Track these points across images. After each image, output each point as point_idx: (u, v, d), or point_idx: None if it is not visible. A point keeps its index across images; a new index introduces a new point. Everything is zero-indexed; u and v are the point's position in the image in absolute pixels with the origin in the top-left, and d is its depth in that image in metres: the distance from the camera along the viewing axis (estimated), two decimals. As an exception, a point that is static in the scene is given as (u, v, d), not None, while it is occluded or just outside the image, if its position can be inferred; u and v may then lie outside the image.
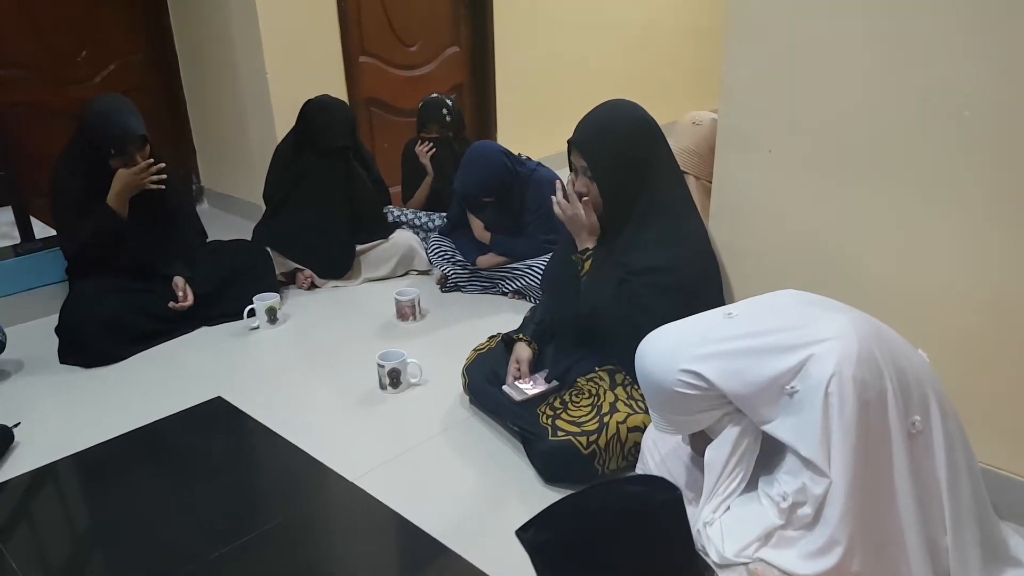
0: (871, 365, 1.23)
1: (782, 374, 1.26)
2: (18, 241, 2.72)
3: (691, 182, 2.10)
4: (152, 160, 2.46)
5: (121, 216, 2.46)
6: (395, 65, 3.90)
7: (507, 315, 2.63)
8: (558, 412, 1.78)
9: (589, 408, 1.77)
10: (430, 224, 3.15)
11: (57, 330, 2.40)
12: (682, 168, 2.07)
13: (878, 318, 1.34)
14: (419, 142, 3.23)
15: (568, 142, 1.81)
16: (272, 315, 2.62)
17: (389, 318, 2.67)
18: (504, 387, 1.90)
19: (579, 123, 1.80)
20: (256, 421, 2.05)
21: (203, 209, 4.09)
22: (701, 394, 1.29)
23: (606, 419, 1.72)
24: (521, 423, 1.85)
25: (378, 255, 3.04)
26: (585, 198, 1.82)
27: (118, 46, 3.68)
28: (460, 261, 2.93)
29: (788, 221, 1.72)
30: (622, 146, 1.76)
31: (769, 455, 1.37)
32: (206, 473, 1.87)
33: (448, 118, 3.14)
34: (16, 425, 2.00)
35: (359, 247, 3.02)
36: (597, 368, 1.87)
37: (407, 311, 2.64)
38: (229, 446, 1.99)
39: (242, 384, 2.25)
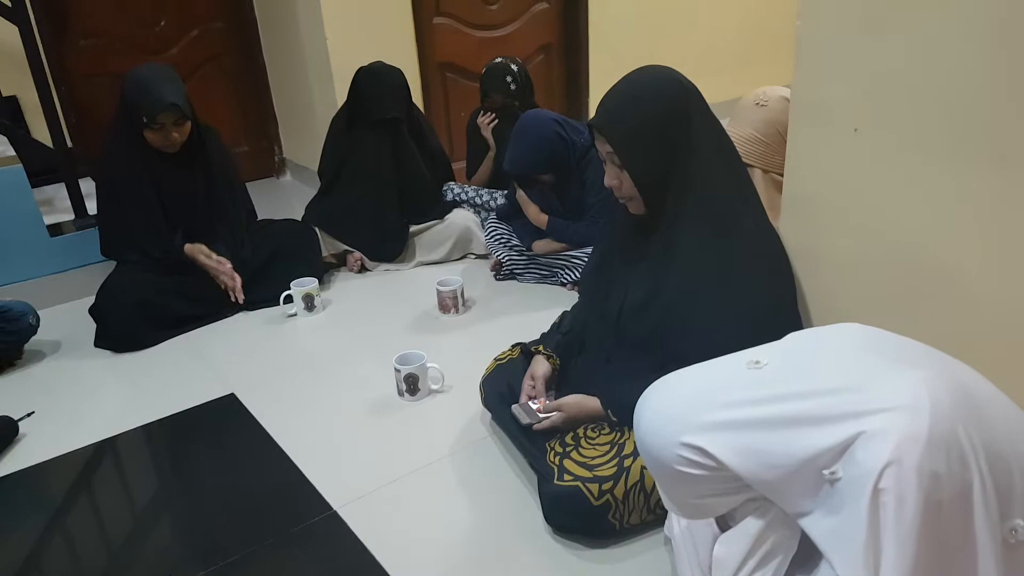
0: (950, 449, 0.85)
1: (819, 454, 0.90)
2: (72, 217, 2.74)
3: (756, 176, 1.69)
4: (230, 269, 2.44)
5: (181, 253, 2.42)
6: (473, 25, 3.62)
7: (562, 307, 2.32)
8: (568, 449, 1.48)
9: (608, 448, 1.46)
10: (492, 203, 2.88)
11: (91, 312, 2.37)
12: (744, 160, 1.67)
13: (991, 366, 0.95)
14: (481, 113, 2.94)
15: (588, 125, 1.47)
16: (310, 302, 2.48)
17: (433, 308, 2.45)
18: (513, 407, 1.62)
19: (601, 99, 1.45)
20: (259, 427, 1.90)
21: (285, 182, 4.06)
22: (710, 475, 0.96)
23: (627, 463, 1.40)
24: (528, 456, 1.58)
25: (432, 237, 2.82)
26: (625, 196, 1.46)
27: (198, 14, 3.63)
28: (517, 246, 2.65)
29: (882, 221, 1.30)
30: (651, 122, 1.38)
31: (812, 552, 1.02)
32: (189, 485, 1.73)
33: (513, 86, 2.82)
34: (27, 416, 1.96)
35: (412, 228, 2.80)
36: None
37: (448, 303, 2.41)
38: (223, 454, 1.84)
39: (261, 380, 2.11)
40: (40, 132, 2.88)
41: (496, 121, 2.89)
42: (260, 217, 2.78)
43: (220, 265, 2.44)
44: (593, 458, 1.44)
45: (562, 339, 1.70)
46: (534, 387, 1.63)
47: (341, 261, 2.83)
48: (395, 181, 2.72)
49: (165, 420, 1.97)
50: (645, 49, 4.04)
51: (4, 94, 3.09)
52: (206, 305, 2.45)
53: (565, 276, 2.55)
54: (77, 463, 1.82)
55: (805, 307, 1.47)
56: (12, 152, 2.69)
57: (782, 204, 1.47)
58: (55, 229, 2.71)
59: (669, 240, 1.44)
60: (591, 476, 1.41)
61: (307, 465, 1.74)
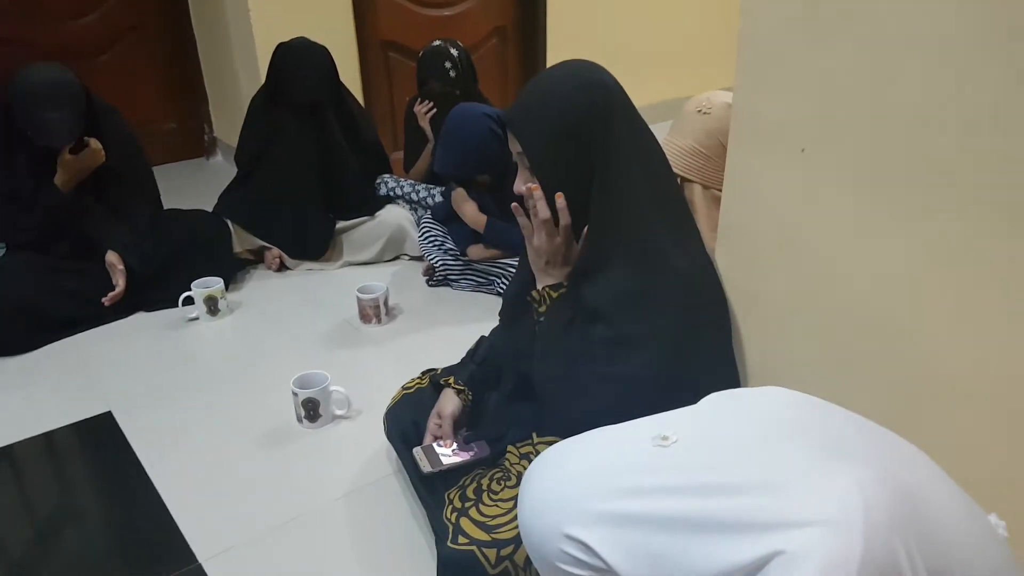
0: (884, 573, 0.69)
1: (726, 573, 0.73)
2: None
3: (696, 192, 1.50)
4: (96, 145, 2.16)
5: (67, 199, 2.17)
6: (421, 2, 3.38)
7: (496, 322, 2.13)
8: (468, 505, 1.29)
9: (512, 505, 1.27)
10: (430, 200, 2.67)
11: (-39, 311, 2.13)
12: (681, 172, 1.49)
13: (943, 432, 0.79)
14: (418, 101, 2.72)
15: (498, 119, 1.28)
16: (213, 305, 2.25)
17: (355, 316, 2.25)
18: (415, 450, 1.42)
19: (518, 94, 1.26)
20: (132, 453, 1.68)
21: (215, 163, 3.80)
22: (594, 577, 0.79)
23: (533, 523, 1.23)
24: (426, 508, 1.39)
25: (362, 235, 2.60)
26: (539, 206, 1.26)
27: (117, -25, 3.35)
28: (452, 250, 2.45)
29: (827, 264, 1.13)
30: (565, 124, 1.19)
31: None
32: (42, 520, 1.51)
33: (452, 73, 2.60)
34: None
35: (340, 224, 2.58)
36: (535, 436, 1.37)
37: (370, 312, 2.20)
38: (86, 486, 1.62)
39: (145, 397, 1.89)
40: None
41: (434, 110, 2.67)
42: (183, 203, 2.56)
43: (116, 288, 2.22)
44: (494, 517, 1.26)
45: (476, 370, 1.51)
46: (440, 427, 1.44)
47: (259, 258, 2.60)
48: (319, 172, 2.49)
49: (30, 440, 1.74)
50: (607, 35, 3.85)
51: None
52: (97, 306, 2.22)
53: (503, 285, 2.37)
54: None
55: (741, 353, 1.30)
56: None
57: (717, 233, 1.30)
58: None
59: (584, 265, 1.26)
60: (489, 539, 1.22)
61: (177, 504, 1.53)
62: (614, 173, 1.19)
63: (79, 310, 2.20)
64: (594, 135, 1.18)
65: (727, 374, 1.27)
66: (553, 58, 3.80)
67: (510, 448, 1.37)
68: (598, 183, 1.20)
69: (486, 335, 1.59)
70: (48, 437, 1.77)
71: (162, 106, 3.61)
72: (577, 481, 0.84)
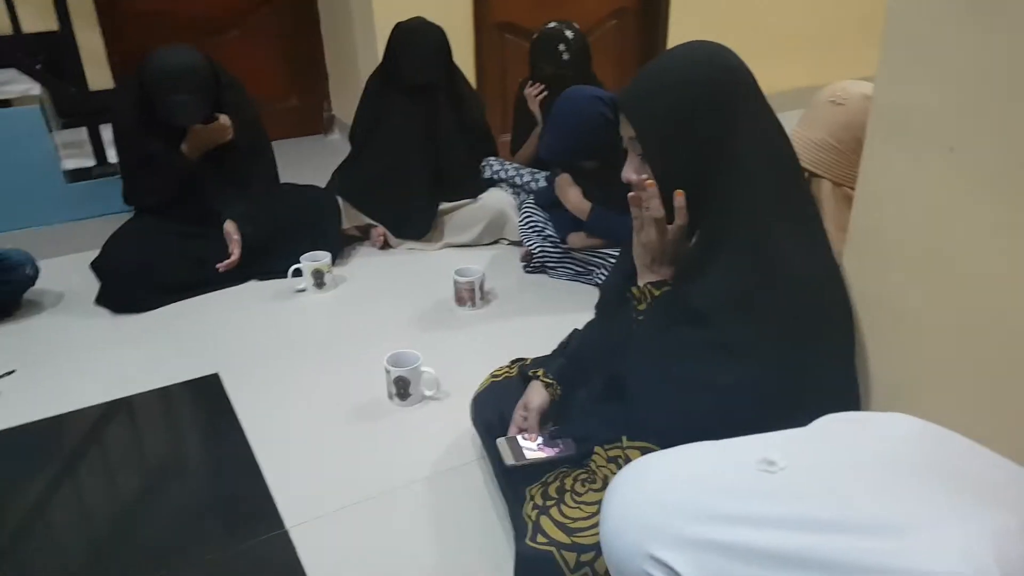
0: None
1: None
2: (93, 164, 2.65)
3: (824, 190, 1.38)
4: (225, 120, 2.26)
5: (192, 165, 2.28)
6: (537, -18, 3.32)
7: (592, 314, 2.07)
8: (549, 504, 1.25)
9: (596, 509, 1.22)
10: (533, 184, 2.63)
11: (92, 267, 2.27)
12: (809, 167, 1.36)
13: None
14: (529, 83, 2.67)
15: (612, 102, 1.21)
16: (319, 278, 2.30)
17: (448, 299, 2.24)
18: (499, 440, 1.39)
19: (634, 75, 1.18)
20: (234, 416, 1.74)
21: (332, 140, 3.90)
22: (679, 606, 0.73)
23: (617, 529, 1.17)
24: (506, 501, 1.36)
25: (463, 217, 2.59)
26: (652, 204, 1.18)
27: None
28: (552, 237, 2.40)
29: (978, 278, 0.99)
30: (682, 109, 1.10)
31: None
32: (146, 475, 1.59)
33: (565, 55, 2.53)
34: (7, 374, 1.87)
35: (443, 206, 2.58)
36: (625, 440, 1.30)
37: (465, 295, 2.19)
38: (190, 444, 1.71)
39: (250, 362, 1.95)
40: (92, 72, 2.79)
41: (545, 93, 2.61)
42: (300, 179, 2.63)
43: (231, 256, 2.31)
44: (575, 520, 1.21)
45: (567, 364, 1.46)
46: (526, 419, 1.40)
47: (365, 234, 2.65)
48: (427, 153, 2.50)
49: (144, 395, 1.84)
50: (735, 18, 3.66)
51: (41, 30, 2.99)
52: (212, 272, 2.31)
53: (600, 277, 2.29)
54: (41, 435, 1.71)
55: (864, 369, 1.17)
56: (37, 91, 2.61)
57: (847, 236, 1.18)
58: (78, 174, 2.63)
59: (692, 263, 1.18)
60: (569, 542, 1.17)
61: (271, 470, 1.57)
62: (735, 164, 1.10)
63: (196, 274, 2.30)
64: (715, 122, 1.10)
65: (846, 393, 1.16)
66: (675, 42, 3.65)
67: (597, 449, 1.31)
68: (715, 174, 1.11)
69: (580, 328, 1.53)
70: (161, 392, 1.86)
71: (285, 83, 3.73)
72: (668, 499, 0.77)
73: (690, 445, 0.89)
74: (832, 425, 0.83)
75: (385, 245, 2.61)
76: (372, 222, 2.59)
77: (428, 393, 1.78)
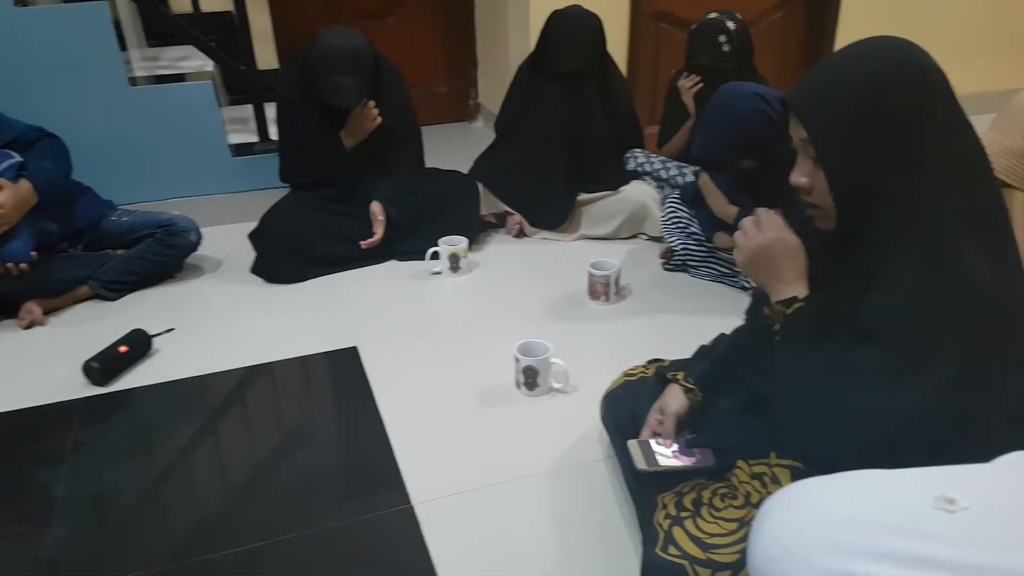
0: None
1: None
2: (256, 140, 2.80)
3: (1016, 200, 1.21)
4: (371, 109, 2.33)
5: (345, 150, 2.38)
6: (701, -27, 3.19)
7: (737, 320, 1.95)
8: (684, 515, 1.18)
9: (735, 526, 1.13)
10: (679, 179, 2.53)
11: (250, 238, 2.40)
12: (1001, 176, 1.20)
13: None
14: (684, 74, 2.57)
15: (781, 99, 1.11)
16: (455, 262, 2.33)
17: (584, 291, 2.20)
18: (630, 443, 1.33)
19: (807, 73, 1.08)
20: (369, 390, 1.79)
21: (476, 128, 3.95)
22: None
23: (756, 550, 1.09)
24: (636, 505, 1.30)
25: (602, 209, 2.54)
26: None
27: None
28: (697, 235, 2.29)
29: None
30: (867, 112, 0.99)
31: None
32: (282, 440, 1.66)
33: (726, 47, 2.40)
34: (166, 332, 2.01)
35: (581, 196, 2.54)
36: (773, 456, 1.21)
37: (599, 288, 2.14)
38: (325, 413, 1.76)
39: (386, 338, 2.00)
40: (259, 52, 2.95)
41: (701, 85, 2.50)
42: (442, 164, 2.68)
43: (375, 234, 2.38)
44: (712, 535, 1.13)
45: (710, 369, 1.37)
46: (662, 424, 1.34)
47: (501, 222, 2.65)
48: (569, 142, 2.46)
49: (286, 362, 1.93)
50: (913, 13, 3.37)
51: (218, 9, 3.21)
52: (356, 249, 2.39)
53: (747, 280, 2.17)
54: (190, 391, 1.82)
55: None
56: (211, 67, 2.79)
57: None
58: (241, 149, 2.79)
59: (864, 275, 1.06)
60: (704, 558, 1.10)
61: (400, 445, 1.59)
62: (918, 169, 0.98)
63: (342, 250, 2.39)
64: (901, 126, 0.98)
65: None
66: (845, 36, 3.41)
67: (740, 464, 1.23)
68: (894, 180, 1.00)
69: (727, 332, 1.44)
70: (303, 360, 1.94)
71: (435, 69, 3.81)
72: (831, 531, 0.70)
73: (858, 473, 0.80)
74: (1016, 461, 0.72)
75: (520, 233, 2.60)
76: (509, 209, 2.59)
77: (556, 385, 1.75)
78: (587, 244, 2.54)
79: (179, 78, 2.78)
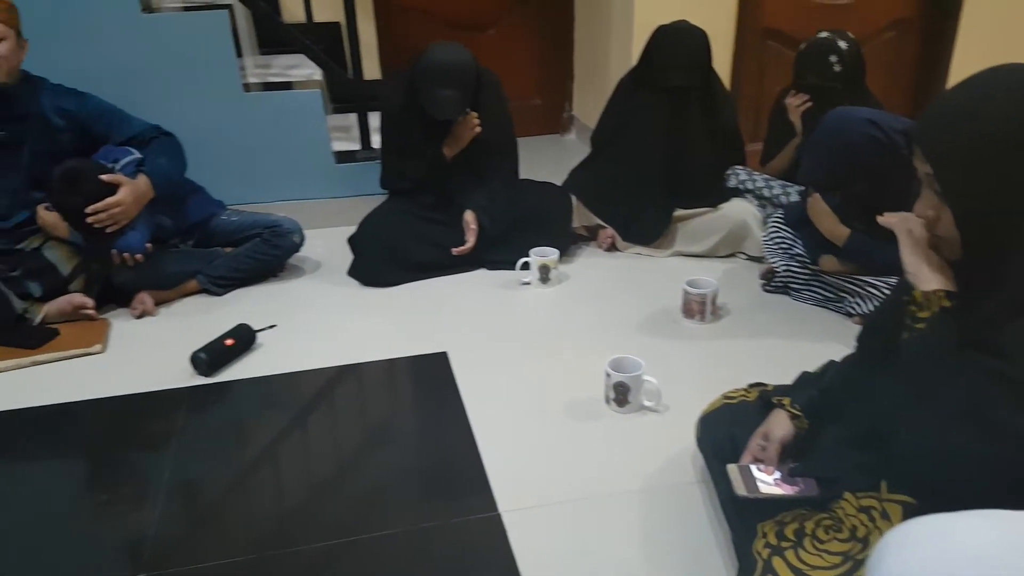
0: None
1: None
2: (358, 148, 2.90)
3: None
4: (472, 120, 2.38)
5: (444, 161, 2.43)
6: (816, -11, 3.12)
7: (841, 347, 1.89)
8: (785, 545, 1.14)
9: (839, 560, 1.08)
10: (783, 198, 2.46)
11: (349, 242, 2.48)
12: None
13: None
14: (792, 92, 2.50)
15: (904, 133, 1.07)
16: (545, 273, 2.33)
17: (677, 309, 2.17)
18: (729, 467, 1.30)
19: (931, 104, 1.03)
20: (458, 396, 1.81)
21: (568, 140, 3.97)
22: None
23: (862, 588, 1.04)
24: (732, 531, 1.27)
25: (699, 226, 2.50)
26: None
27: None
28: (801, 256, 2.22)
29: None
30: (997, 146, 0.94)
31: None
32: (372, 439, 1.70)
33: (837, 67, 2.33)
34: (268, 328, 2.10)
35: (678, 212, 2.51)
36: (884, 489, 1.15)
37: (695, 307, 2.10)
38: (413, 417, 1.79)
39: (476, 346, 2.02)
40: (363, 62, 3.07)
41: (809, 104, 2.44)
42: (534, 176, 2.71)
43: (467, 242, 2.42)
44: (814, 568, 1.09)
45: (818, 397, 1.33)
46: (765, 449, 1.30)
47: (592, 235, 2.65)
48: (669, 157, 2.44)
49: (378, 363, 1.98)
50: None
51: (327, 19, 3.35)
52: (448, 256, 2.43)
53: (854, 306, 2.09)
54: (287, 386, 1.89)
55: None
56: (319, 76, 2.91)
57: None
58: (344, 156, 2.89)
59: (997, 309, 1.00)
60: (805, 592, 1.07)
61: (488, 452, 1.60)
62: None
63: (434, 257, 2.44)
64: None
65: None
66: (962, 62, 3.26)
67: (847, 495, 1.18)
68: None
69: (836, 360, 1.39)
70: (393, 362, 1.98)
71: (531, 82, 3.85)
72: (955, 570, 0.66)
73: (982, 512, 0.76)
74: None
75: (612, 247, 2.59)
76: (602, 223, 2.58)
77: (647, 403, 1.72)
78: (682, 261, 2.50)
79: (287, 86, 2.91)
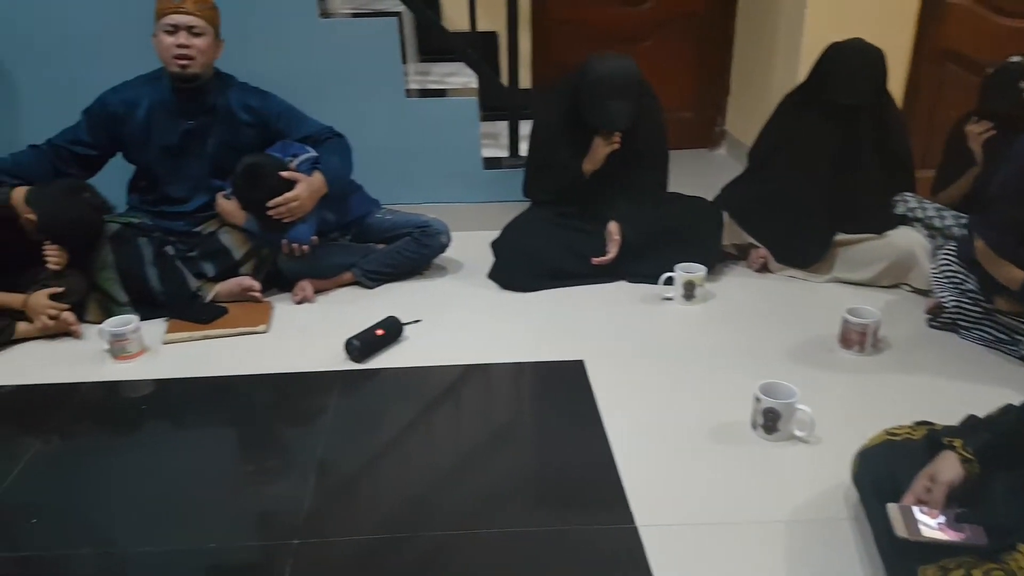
0: None
1: None
2: (505, 155, 2.99)
3: None
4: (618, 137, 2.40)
5: (587, 174, 2.48)
6: (999, 9, 2.92)
7: (1013, 393, 1.74)
8: (950, 594, 1.09)
9: (1015, 619, 1.03)
10: (955, 230, 2.31)
11: (491, 246, 2.57)
12: None
13: None
14: (973, 119, 2.36)
15: None
16: (690, 290, 2.31)
17: (832, 338, 2.09)
18: (890, 506, 1.24)
19: None
20: (595, 405, 1.83)
21: (717, 156, 3.92)
22: None
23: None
24: (887, 571, 1.21)
25: (862, 252, 2.39)
26: None
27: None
28: (972, 292, 2.08)
29: None
30: None
31: None
32: (504, 439, 1.76)
33: (1030, 95, 2.19)
34: (414, 322, 2.20)
35: (839, 236, 2.42)
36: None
37: (854, 337, 2.01)
38: (547, 420, 1.83)
39: (614, 357, 2.03)
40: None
41: (993, 132, 2.29)
42: (679, 190, 2.70)
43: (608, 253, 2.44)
44: (983, 621, 1.04)
45: (994, 441, 1.25)
46: (930, 491, 1.24)
47: (742, 254, 2.60)
48: (834, 179, 2.36)
49: (516, 364, 2.04)
50: None
51: (486, 29, 3.48)
52: (589, 265, 2.46)
53: (1028, 349, 1.94)
54: (429, 378, 1.98)
55: None
56: (475, 84, 3.03)
57: None
58: (491, 162, 3.00)
59: None
60: (970, 647, 1.01)
61: (625, 465, 1.61)
62: None
63: (574, 266, 2.48)
64: None
65: None
66: None
67: (1020, 547, 1.11)
68: None
69: (1014, 404, 1.30)
70: (530, 365, 2.04)
71: (684, 94, 3.83)
72: None
73: None
74: None
75: (763, 268, 2.53)
76: (754, 242, 2.53)
77: (798, 433, 1.67)
78: (839, 288, 2.41)
79: (441, 92, 3.05)
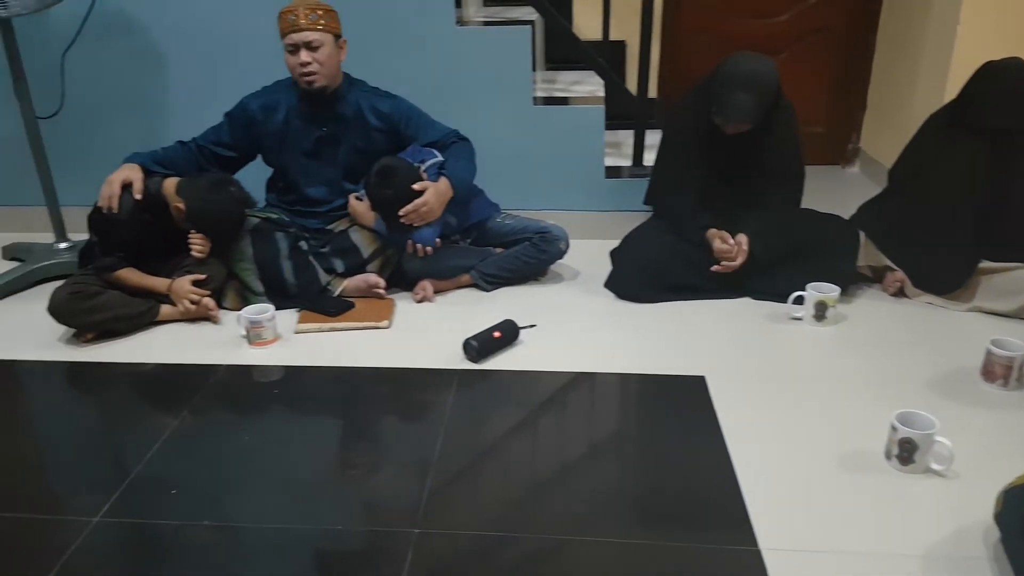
0: None
1: None
2: (630, 164, 3.01)
3: None
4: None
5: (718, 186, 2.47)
6: None
7: None
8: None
9: None
10: (1120, 263, 2.17)
11: (610, 255, 2.59)
12: None
13: None
14: None
15: None
16: (822, 311, 2.25)
17: (975, 370, 1.99)
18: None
19: None
20: (716, 423, 1.81)
21: (850, 174, 3.79)
22: None
23: None
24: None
25: (1009, 282, 2.26)
26: None
27: (816, -20, 3.56)
28: None
29: None
30: None
31: None
32: (618, 446, 1.79)
33: None
34: (529, 327, 2.25)
35: (984, 263, 2.30)
36: None
37: (998, 371, 1.91)
38: (666, 434, 1.82)
39: (737, 376, 2.01)
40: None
41: None
42: (808, 206, 2.62)
43: (730, 249, 2.40)
44: None
45: None
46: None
47: (877, 277, 2.51)
48: (983, 203, 2.25)
49: (631, 376, 2.06)
50: None
51: (616, 38, 3.51)
52: (711, 279, 2.44)
53: None
54: (542, 383, 2.03)
55: None
56: (602, 93, 3.07)
57: None
58: (612, 171, 3.02)
59: None
60: None
61: (749, 485, 1.60)
62: None
63: (696, 280, 2.47)
64: None
65: None
66: None
67: None
68: None
69: None
70: (643, 378, 2.05)
71: (817, 109, 3.73)
72: None
73: None
74: None
75: (899, 293, 2.43)
76: (892, 265, 2.44)
77: (935, 467, 1.61)
78: (981, 318, 2.30)
79: (565, 100, 3.10)
